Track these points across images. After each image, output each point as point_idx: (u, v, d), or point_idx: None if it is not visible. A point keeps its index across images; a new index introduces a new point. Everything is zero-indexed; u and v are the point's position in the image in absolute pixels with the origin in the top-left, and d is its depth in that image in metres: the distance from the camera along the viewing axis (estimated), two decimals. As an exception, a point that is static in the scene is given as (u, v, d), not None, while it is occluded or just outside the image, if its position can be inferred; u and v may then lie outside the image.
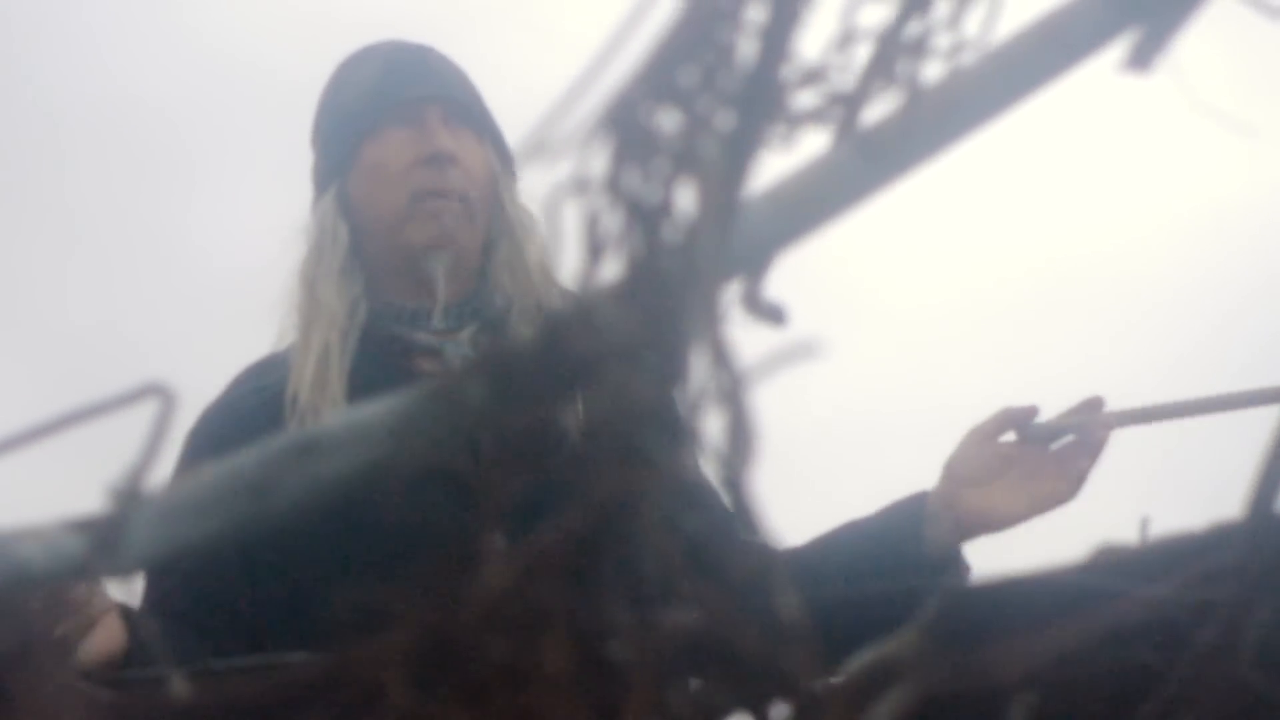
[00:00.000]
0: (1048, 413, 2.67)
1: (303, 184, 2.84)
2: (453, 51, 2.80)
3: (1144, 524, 1.53)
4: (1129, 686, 1.26)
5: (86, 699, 0.91)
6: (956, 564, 2.62)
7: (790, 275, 1.11)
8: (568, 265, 0.93)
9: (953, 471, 2.61)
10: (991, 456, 2.60)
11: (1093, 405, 2.63)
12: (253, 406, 2.62)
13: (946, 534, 2.58)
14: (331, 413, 2.42)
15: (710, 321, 0.91)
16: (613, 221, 0.92)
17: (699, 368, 0.92)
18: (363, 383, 2.57)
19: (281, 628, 2.45)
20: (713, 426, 0.93)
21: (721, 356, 0.91)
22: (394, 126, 2.69)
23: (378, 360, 2.63)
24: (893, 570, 2.52)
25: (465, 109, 2.72)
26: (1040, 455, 2.59)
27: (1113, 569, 1.28)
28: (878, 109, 1.06)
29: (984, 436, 2.61)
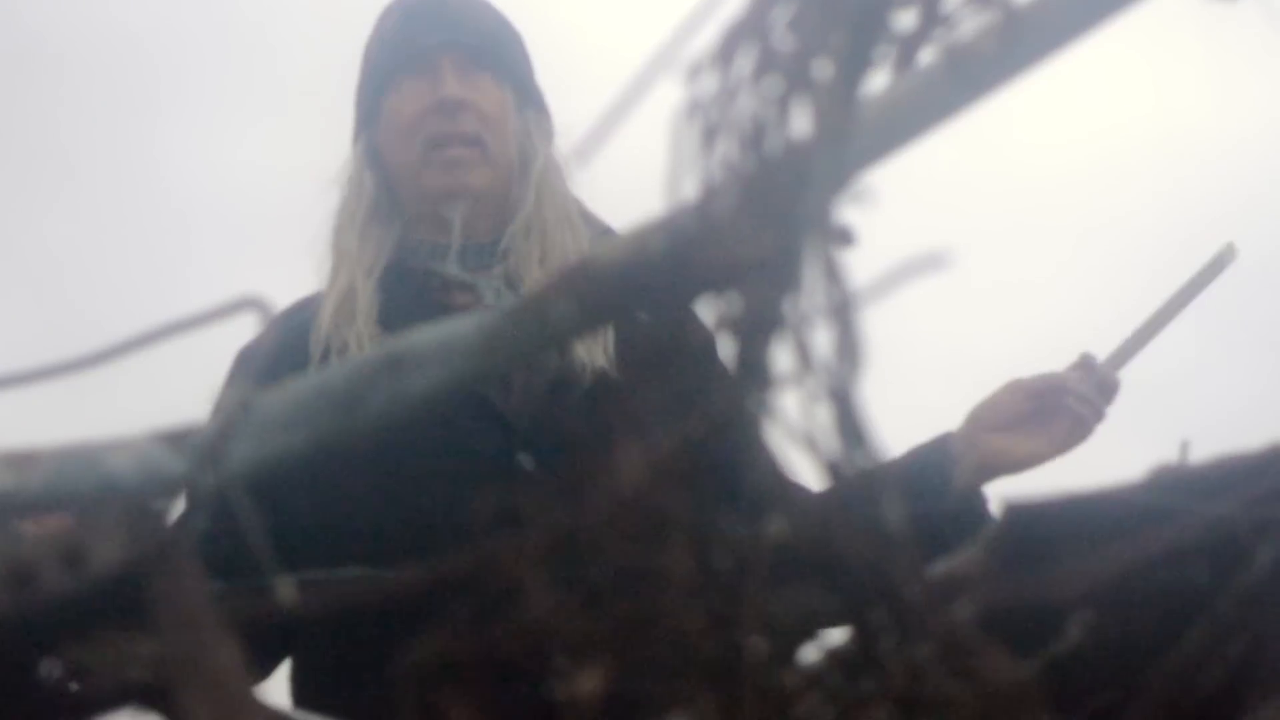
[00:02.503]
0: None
1: (287, 116, 2.88)
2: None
3: (1184, 447, 1.56)
4: (1186, 605, 1.29)
5: (216, 603, 0.94)
6: (982, 504, 2.69)
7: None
8: (688, 183, 0.95)
9: (978, 415, 2.70)
10: (1017, 406, 2.68)
11: (1087, 362, 2.71)
12: (288, 344, 2.64)
13: (971, 475, 2.67)
14: (419, 332, 2.44)
15: (824, 237, 0.94)
16: (729, 142, 0.94)
17: (812, 282, 0.94)
18: (397, 317, 2.61)
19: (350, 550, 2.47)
20: (822, 340, 0.95)
21: (834, 271, 0.93)
22: (409, 76, 2.73)
23: (411, 296, 2.67)
24: (920, 511, 2.58)
25: (479, 53, 2.74)
26: (1057, 403, 2.68)
27: (1171, 488, 1.30)
28: (970, 28, 1.08)
29: (1023, 391, 2.69)
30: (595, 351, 2.43)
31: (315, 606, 0.98)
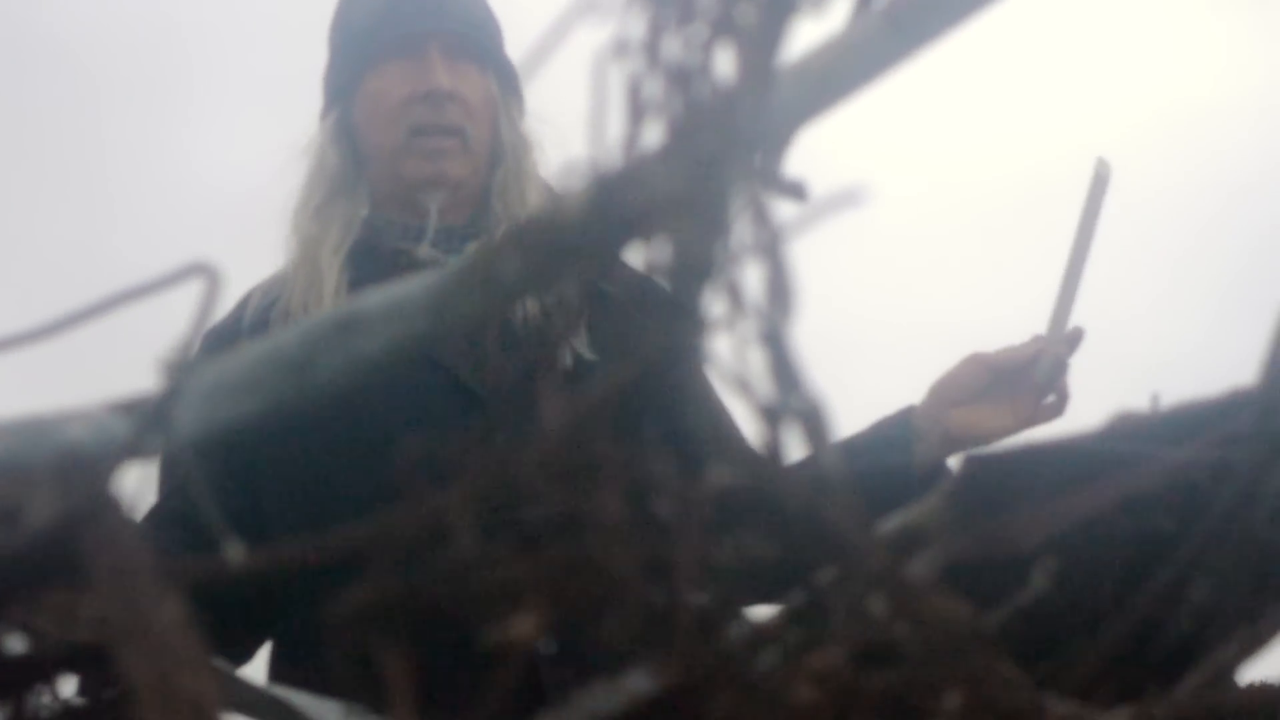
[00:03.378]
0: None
1: (301, 101, 2.88)
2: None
3: (1155, 399, 1.56)
4: (1148, 551, 1.29)
5: (153, 559, 0.94)
6: (945, 477, 2.69)
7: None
8: (612, 128, 0.95)
9: (940, 390, 2.70)
10: (978, 379, 2.68)
11: (1038, 340, 2.71)
12: (255, 324, 2.66)
13: (935, 448, 2.67)
14: (369, 295, 2.46)
15: (750, 180, 0.94)
16: (654, 85, 0.94)
17: (739, 225, 0.94)
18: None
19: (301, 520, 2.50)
20: (752, 282, 0.95)
21: (761, 212, 0.93)
22: (395, 59, 2.75)
23: (379, 272, 2.68)
24: (882, 484, 2.59)
25: (467, 41, 2.76)
26: (1020, 378, 2.68)
27: (1131, 435, 1.31)
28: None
29: (983, 365, 2.68)
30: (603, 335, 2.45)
31: (262, 567, 0.98)
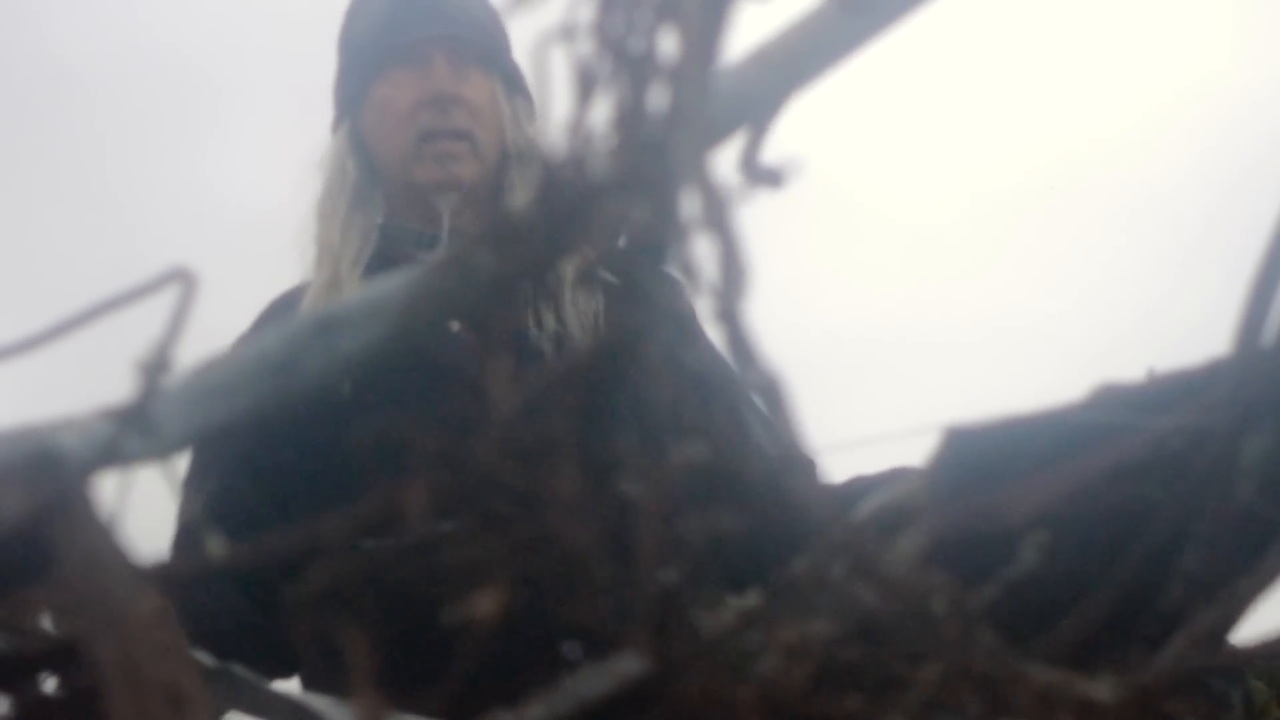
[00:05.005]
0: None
1: (313, 121, 2.91)
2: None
3: (1150, 372, 1.57)
4: (1135, 519, 1.30)
5: (126, 553, 0.96)
6: None
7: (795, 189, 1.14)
8: (556, 113, 0.96)
9: None
10: None
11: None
12: None
13: None
14: (349, 295, 2.48)
15: (697, 160, 0.95)
16: (600, 69, 0.96)
17: (688, 204, 0.96)
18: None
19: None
20: (704, 260, 0.97)
21: (709, 191, 0.95)
22: (401, 67, 2.76)
23: None
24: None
25: (472, 46, 2.78)
26: None
27: (1114, 406, 1.31)
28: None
29: None
30: (585, 318, 2.45)
31: (243, 561, 1.00)
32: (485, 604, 0.90)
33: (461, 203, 2.74)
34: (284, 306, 2.79)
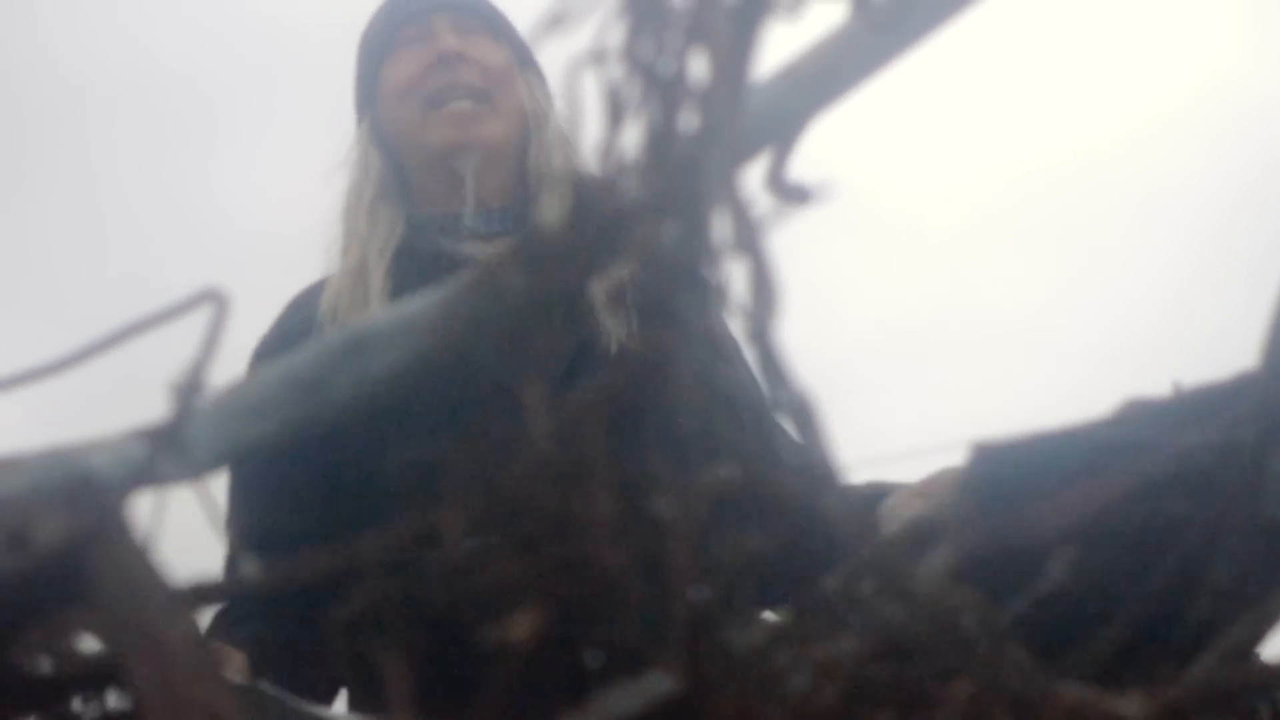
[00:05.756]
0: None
1: (327, 137, 2.90)
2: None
3: (1175, 386, 1.57)
4: (1163, 535, 1.30)
5: (164, 580, 0.96)
6: None
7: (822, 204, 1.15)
8: (587, 136, 0.97)
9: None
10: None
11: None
12: (300, 331, 2.65)
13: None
14: (378, 311, 2.45)
15: (728, 181, 0.96)
16: (630, 91, 0.96)
17: (720, 226, 0.96)
18: (407, 297, 2.60)
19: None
20: (736, 281, 0.97)
21: (740, 211, 0.95)
22: (405, 48, 2.73)
23: (421, 275, 2.66)
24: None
25: (474, 14, 2.74)
26: None
27: (1141, 421, 1.32)
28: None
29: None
30: (618, 325, 2.39)
31: (278, 582, 1.00)
32: (520, 626, 0.90)
33: (484, 164, 2.68)
34: (305, 301, 2.76)
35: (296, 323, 2.69)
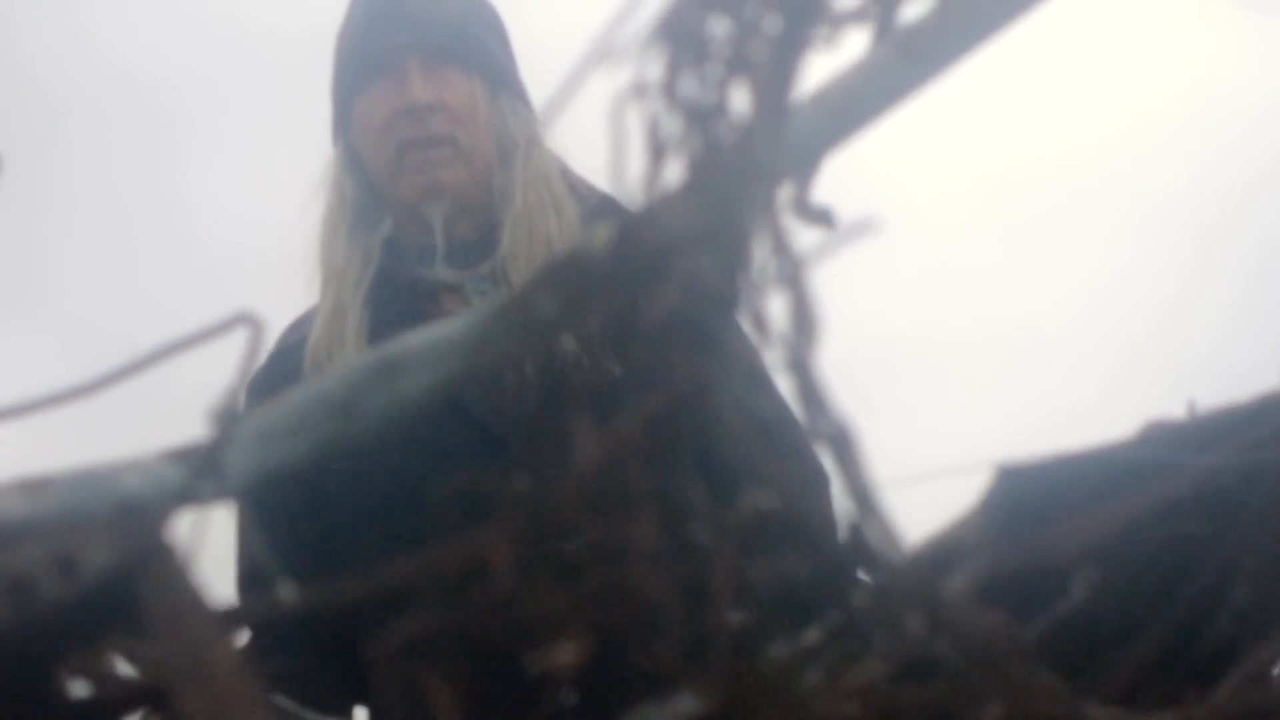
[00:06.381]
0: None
1: (306, 144, 2.91)
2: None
3: (1191, 406, 1.58)
4: (1185, 556, 1.31)
5: (209, 605, 0.97)
6: None
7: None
8: (632, 169, 0.98)
9: None
10: None
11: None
12: (287, 365, 2.67)
13: None
14: (410, 336, 2.47)
15: (769, 212, 0.97)
16: (672, 125, 0.97)
17: (761, 257, 0.97)
18: (385, 331, 2.61)
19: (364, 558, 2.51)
20: (776, 311, 0.98)
21: (781, 243, 0.96)
22: (377, 78, 2.74)
23: (398, 306, 2.68)
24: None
25: (444, 49, 2.75)
26: None
27: (1163, 443, 1.33)
28: (914, 8, 1.12)
29: None
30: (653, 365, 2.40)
31: (312, 606, 1.01)
32: (565, 655, 0.91)
33: (453, 208, 2.71)
34: (297, 326, 2.78)
35: (288, 352, 2.71)
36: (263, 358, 2.76)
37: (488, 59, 2.78)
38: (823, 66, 1.16)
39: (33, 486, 1.20)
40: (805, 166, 1.18)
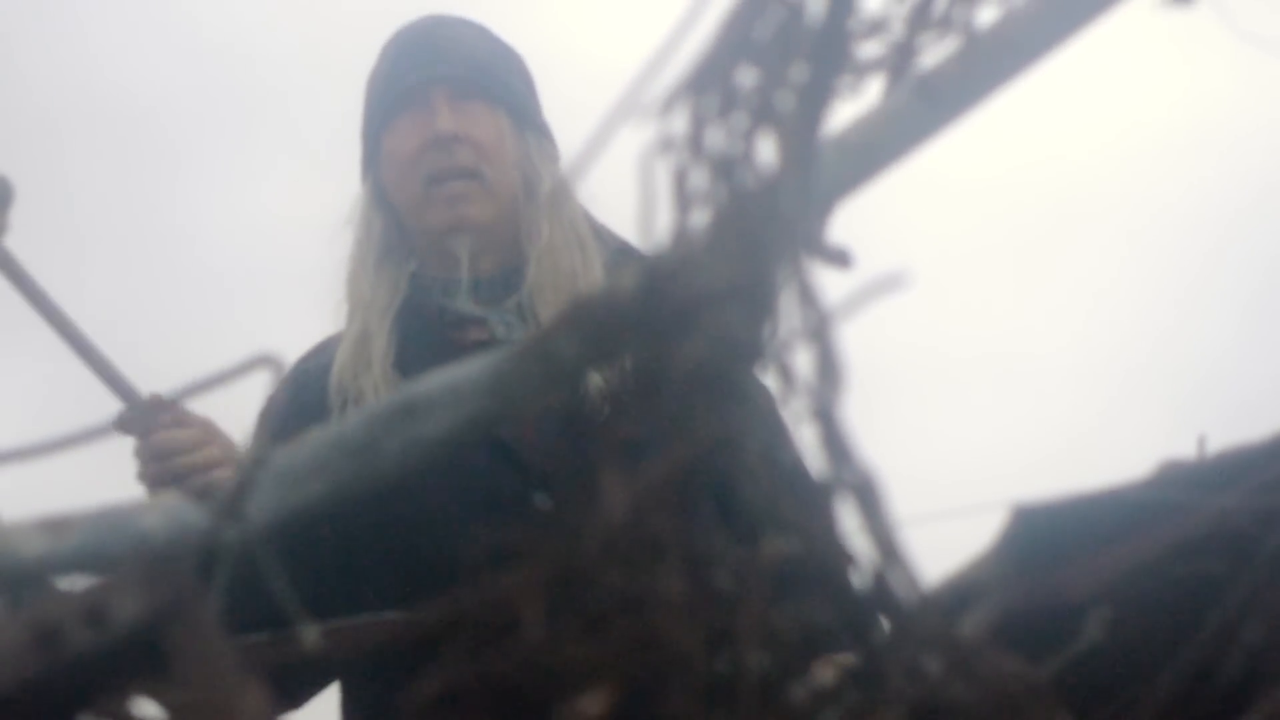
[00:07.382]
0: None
1: (295, 176, 2.92)
2: (516, 22, 2.85)
3: (1201, 441, 1.59)
4: (1199, 597, 1.32)
5: (236, 652, 0.97)
6: None
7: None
8: (660, 221, 0.98)
9: None
10: None
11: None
12: (307, 391, 2.68)
13: None
14: (430, 378, 2.47)
15: (796, 263, 0.97)
16: (699, 176, 0.98)
17: (788, 307, 0.98)
18: (411, 358, 2.64)
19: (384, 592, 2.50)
20: (803, 362, 0.99)
21: (808, 294, 0.97)
22: (403, 113, 2.77)
23: (425, 336, 2.70)
24: None
25: (470, 83, 2.77)
26: None
27: (1177, 483, 1.33)
28: (935, 54, 1.12)
29: None
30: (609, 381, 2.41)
31: (337, 650, 1.01)
32: (593, 705, 0.92)
33: (478, 243, 2.74)
34: (313, 357, 2.79)
35: (306, 380, 2.71)
36: (280, 382, 2.76)
37: (513, 95, 2.80)
38: (842, 111, 1.16)
39: (53, 526, 1.20)
40: (822, 208, 1.19)
